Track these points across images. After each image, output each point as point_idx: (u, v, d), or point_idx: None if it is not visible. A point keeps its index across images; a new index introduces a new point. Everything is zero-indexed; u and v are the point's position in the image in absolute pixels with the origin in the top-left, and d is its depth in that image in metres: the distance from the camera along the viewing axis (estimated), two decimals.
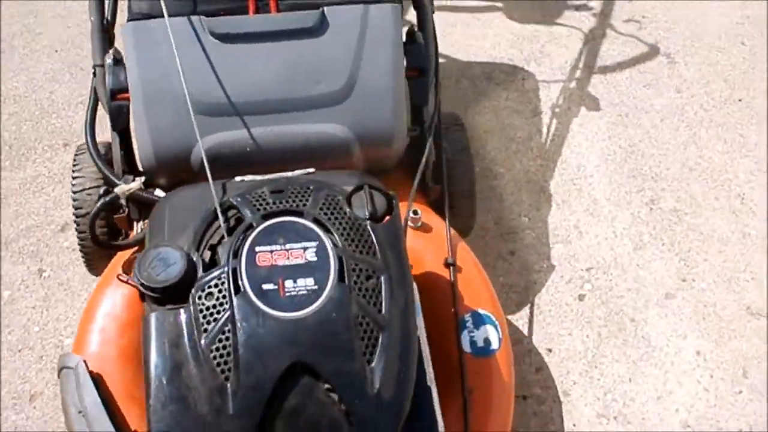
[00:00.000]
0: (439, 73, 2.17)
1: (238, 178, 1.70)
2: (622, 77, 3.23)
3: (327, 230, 1.53)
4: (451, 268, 2.00)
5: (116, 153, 2.04)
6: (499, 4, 3.58)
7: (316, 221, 1.54)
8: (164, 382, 1.41)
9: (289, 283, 1.44)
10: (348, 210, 1.58)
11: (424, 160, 2.06)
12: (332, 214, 1.57)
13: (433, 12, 2.23)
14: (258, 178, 1.69)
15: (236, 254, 1.47)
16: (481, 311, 1.96)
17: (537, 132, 2.99)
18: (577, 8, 3.54)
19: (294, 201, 1.58)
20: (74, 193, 2.23)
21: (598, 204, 2.77)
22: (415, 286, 1.63)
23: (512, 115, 3.07)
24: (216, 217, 1.54)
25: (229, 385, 1.39)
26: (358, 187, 1.63)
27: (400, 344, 1.47)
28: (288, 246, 1.49)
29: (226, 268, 1.45)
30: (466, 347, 1.91)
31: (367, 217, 1.58)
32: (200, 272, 1.47)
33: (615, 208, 2.75)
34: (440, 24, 2.35)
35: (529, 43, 3.39)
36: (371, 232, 1.56)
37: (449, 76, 3.22)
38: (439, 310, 1.94)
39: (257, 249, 1.48)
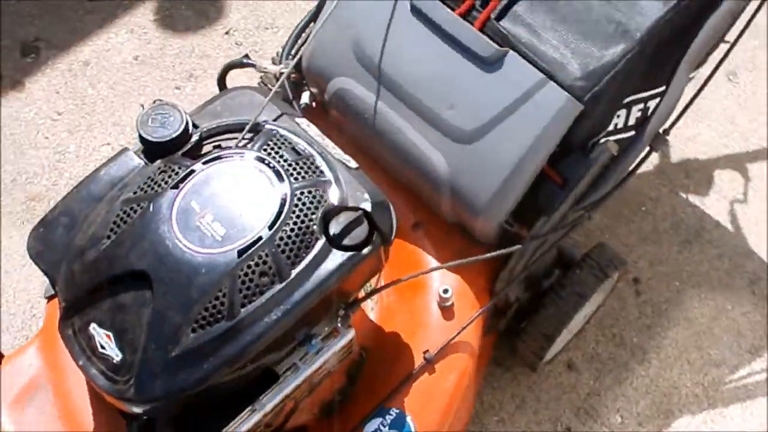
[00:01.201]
0: (595, 210, 1.98)
1: (312, 127, 1.78)
2: None
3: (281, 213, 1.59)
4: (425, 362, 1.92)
5: None
6: None
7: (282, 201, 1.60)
8: (79, 196, 1.69)
9: (208, 218, 1.56)
10: (315, 215, 1.61)
11: (507, 270, 1.97)
12: (305, 209, 1.60)
13: (655, 151, 2.00)
14: (317, 136, 1.75)
15: (208, 162, 1.62)
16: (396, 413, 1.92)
17: None
18: None
19: (297, 171, 1.64)
20: None
21: None
22: None
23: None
24: (241, 129, 1.70)
25: (103, 242, 1.58)
26: (347, 209, 1.63)
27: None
28: (241, 192, 1.60)
29: (191, 165, 1.61)
30: None
31: (325, 236, 1.60)
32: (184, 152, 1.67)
33: None
34: None
35: None
36: (313, 248, 1.59)
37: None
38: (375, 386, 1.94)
39: (224, 175, 1.61)
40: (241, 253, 1.56)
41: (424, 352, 1.94)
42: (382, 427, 1.92)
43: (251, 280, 1.57)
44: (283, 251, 1.58)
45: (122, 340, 1.58)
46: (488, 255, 1.93)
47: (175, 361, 1.56)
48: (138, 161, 1.73)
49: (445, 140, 1.89)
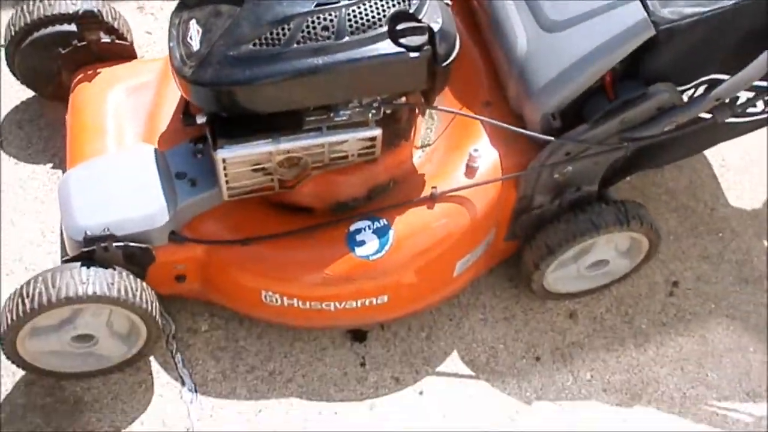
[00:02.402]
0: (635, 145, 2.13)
1: None
2: None
3: None
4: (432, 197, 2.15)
5: None
6: None
7: None
8: None
9: None
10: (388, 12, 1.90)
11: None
12: (384, 4, 1.90)
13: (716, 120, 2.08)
14: None
15: None
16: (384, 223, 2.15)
17: None
18: None
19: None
20: None
21: None
22: None
23: None
24: None
25: None
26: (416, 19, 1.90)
27: None
28: None
29: None
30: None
31: (388, 28, 1.88)
32: None
33: None
34: None
35: None
36: (374, 31, 1.89)
37: None
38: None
39: None
40: (318, 4, 1.89)
41: (433, 188, 2.16)
42: (366, 229, 2.16)
43: (314, 28, 1.89)
44: (349, 20, 1.89)
45: (205, 36, 1.95)
46: (521, 130, 2.13)
47: (229, 60, 1.91)
48: None
49: (534, 25, 2.13)
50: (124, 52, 2.49)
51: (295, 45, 1.89)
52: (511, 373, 2.39)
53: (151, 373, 2.31)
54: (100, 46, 2.44)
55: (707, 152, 2.78)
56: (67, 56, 2.43)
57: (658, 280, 2.56)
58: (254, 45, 1.89)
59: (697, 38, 1.99)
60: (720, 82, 2.05)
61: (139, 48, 2.59)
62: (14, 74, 2.58)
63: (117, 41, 2.47)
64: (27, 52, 2.48)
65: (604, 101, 2.06)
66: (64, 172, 2.46)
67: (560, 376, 2.40)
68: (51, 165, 2.60)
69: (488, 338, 2.44)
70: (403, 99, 2.08)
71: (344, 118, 2.03)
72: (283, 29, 1.89)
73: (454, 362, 2.40)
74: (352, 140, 2.08)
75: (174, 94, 2.27)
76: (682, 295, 2.56)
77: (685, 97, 2.10)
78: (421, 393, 2.35)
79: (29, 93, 2.68)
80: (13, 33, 2.45)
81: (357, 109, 2.04)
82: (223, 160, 2.02)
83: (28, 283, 2.01)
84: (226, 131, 2.01)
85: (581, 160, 2.16)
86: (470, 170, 2.20)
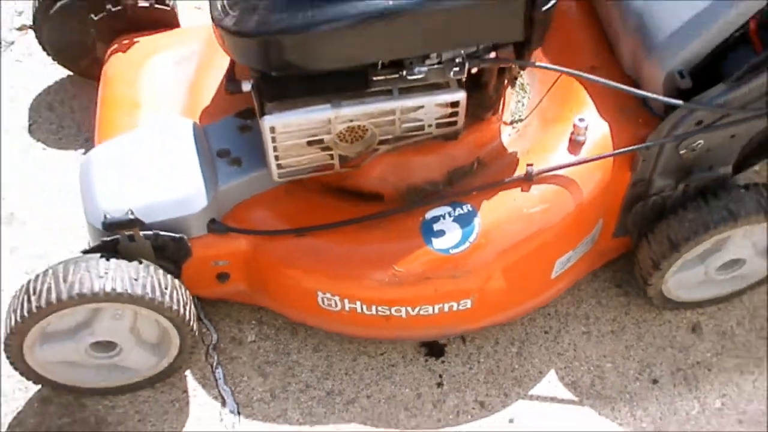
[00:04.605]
0: None
1: None
2: None
3: None
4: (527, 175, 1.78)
5: None
6: None
7: None
8: None
9: None
10: None
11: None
12: None
13: None
14: None
15: None
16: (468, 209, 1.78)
17: None
18: None
19: None
20: None
21: None
22: None
23: None
24: None
25: None
26: None
27: None
28: None
29: None
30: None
31: None
32: None
33: None
34: None
35: None
36: None
37: None
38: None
39: None
40: None
41: (528, 165, 1.76)
42: (446, 216, 1.78)
43: None
44: None
45: None
46: (642, 92, 1.71)
47: (278, 3, 1.56)
48: None
49: None
50: (164, 19, 2.19)
51: None
52: (622, 399, 1.97)
53: (186, 391, 1.95)
54: (137, 11, 2.14)
55: None
56: (101, 24, 2.14)
57: None
58: None
59: None
60: None
61: (181, 16, 2.26)
62: (44, 48, 2.29)
63: (156, 5, 2.16)
64: (56, 20, 2.21)
65: (749, 54, 1.65)
66: None
67: (683, 403, 1.96)
68: (83, 151, 2.30)
69: (593, 356, 2.02)
70: (493, 54, 1.69)
71: (420, 77, 1.66)
72: None
73: (551, 384, 1.99)
74: (429, 105, 1.70)
75: (220, 65, 1.95)
76: None
77: None
78: (511, 421, 1.95)
79: (62, 72, 2.39)
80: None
81: (435, 66, 1.66)
82: (272, 129, 1.66)
83: (36, 277, 1.67)
84: (276, 93, 1.66)
85: (717, 130, 1.73)
86: (575, 145, 1.80)
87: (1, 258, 2.11)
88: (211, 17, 1.66)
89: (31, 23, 2.26)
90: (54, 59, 2.33)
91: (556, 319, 2.06)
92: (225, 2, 1.63)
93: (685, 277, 1.95)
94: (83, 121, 2.33)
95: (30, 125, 2.34)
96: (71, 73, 2.39)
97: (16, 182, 2.24)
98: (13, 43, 2.52)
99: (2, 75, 2.44)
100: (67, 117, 2.36)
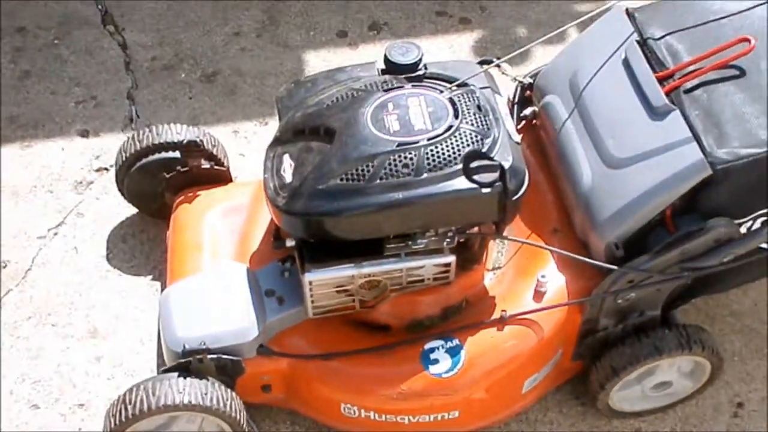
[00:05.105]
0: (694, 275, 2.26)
1: (502, 104, 2.32)
2: None
3: (441, 136, 2.14)
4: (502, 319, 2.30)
5: None
6: None
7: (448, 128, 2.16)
8: (328, 75, 2.40)
9: (393, 116, 2.17)
10: (463, 151, 2.12)
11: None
12: (460, 142, 2.13)
13: None
14: (503, 109, 2.30)
15: (416, 87, 2.25)
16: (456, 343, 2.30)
17: None
18: None
19: (472, 119, 2.18)
20: None
21: None
22: None
23: None
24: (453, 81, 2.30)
25: (323, 105, 2.26)
26: (488, 157, 2.11)
27: None
28: (426, 111, 2.18)
29: (405, 85, 2.26)
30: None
31: (462, 165, 2.09)
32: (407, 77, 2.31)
33: None
34: None
35: None
36: (449, 168, 2.10)
37: None
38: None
39: (421, 97, 2.21)
40: (400, 145, 2.11)
41: (502, 310, 2.31)
42: (440, 348, 2.32)
43: (395, 166, 2.10)
44: (428, 159, 2.10)
45: (296, 170, 2.18)
46: (586, 259, 2.28)
47: (318, 193, 2.12)
48: (375, 71, 2.36)
49: (598, 160, 2.30)
50: (221, 176, 2.75)
51: (378, 180, 2.09)
52: None
53: None
54: (200, 170, 2.71)
55: None
56: (171, 180, 2.70)
57: (723, 400, 2.63)
58: (341, 180, 2.10)
59: (753, 176, 2.13)
60: None
61: (233, 169, 2.84)
62: (122, 194, 2.85)
63: (215, 167, 2.73)
64: (135, 175, 2.76)
65: (665, 234, 2.20)
66: (163, 286, 2.70)
67: None
68: (151, 277, 2.83)
69: None
70: (476, 229, 2.26)
71: (421, 245, 2.21)
72: (367, 166, 2.09)
73: None
74: (428, 266, 2.26)
75: (264, 216, 2.50)
76: (747, 417, 2.61)
77: (743, 229, 2.23)
78: None
79: (133, 210, 2.95)
80: (124, 158, 2.73)
81: (433, 238, 2.22)
82: (310, 282, 2.21)
83: (130, 390, 2.21)
84: (314, 256, 2.21)
85: (643, 287, 2.28)
86: (538, 294, 2.35)
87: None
88: (265, 194, 2.22)
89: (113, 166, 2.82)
90: (128, 201, 2.90)
91: (526, 424, 2.57)
92: (276, 185, 2.20)
93: (626, 394, 2.49)
94: (151, 252, 2.89)
95: (107, 254, 2.90)
96: (140, 212, 2.96)
97: (99, 303, 2.79)
98: (92, 182, 3.09)
99: (85, 210, 3.01)
100: (137, 249, 2.91)
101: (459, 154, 2.11)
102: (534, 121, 2.63)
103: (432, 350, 2.31)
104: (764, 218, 2.23)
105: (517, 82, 2.65)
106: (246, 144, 3.21)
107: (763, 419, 2.61)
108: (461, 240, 2.26)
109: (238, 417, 2.25)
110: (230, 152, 2.88)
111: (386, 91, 2.24)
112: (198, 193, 2.68)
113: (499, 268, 2.49)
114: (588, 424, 2.58)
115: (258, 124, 3.27)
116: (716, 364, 2.44)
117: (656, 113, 2.23)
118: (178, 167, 2.68)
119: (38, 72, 3.38)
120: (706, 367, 2.46)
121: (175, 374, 2.23)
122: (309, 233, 2.19)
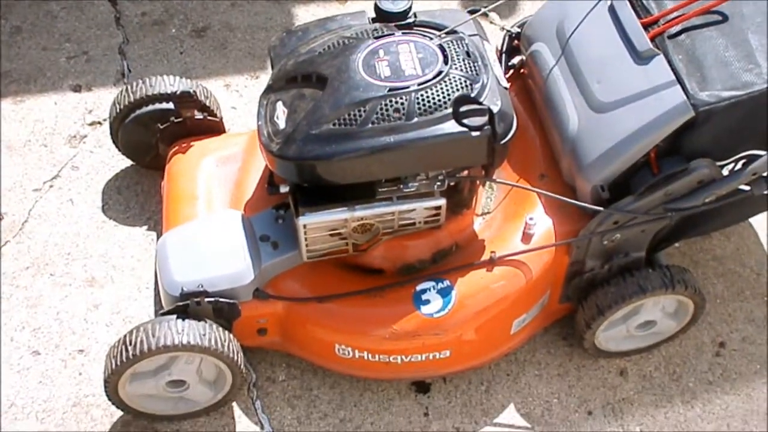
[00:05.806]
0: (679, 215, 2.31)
1: (490, 50, 2.35)
2: None
3: (432, 81, 2.18)
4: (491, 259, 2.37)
5: None
6: None
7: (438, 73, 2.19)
8: (318, 24, 2.41)
9: (383, 62, 2.19)
10: (453, 95, 2.16)
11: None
12: (449, 87, 2.16)
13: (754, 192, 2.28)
14: (491, 55, 2.33)
15: (406, 34, 2.27)
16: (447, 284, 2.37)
17: None
18: None
19: (461, 64, 2.21)
20: None
21: None
22: None
23: None
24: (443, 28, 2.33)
25: (315, 53, 2.28)
26: (477, 102, 2.16)
27: None
28: (420, 56, 2.21)
29: (395, 32, 2.28)
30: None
31: (452, 109, 2.14)
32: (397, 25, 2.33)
33: None
34: None
35: None
36: (440, 112, 2.14)
37: None
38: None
39: (411, 44, 2.23)
40: (391, 89, 2.15)
41: (492, 252, 2.38)
42: (432, 289, 2.38)
43: (387, 110, 2.14)
44: (418, 104, 2.14)
45: (290, 116, 2.22)
46: (572, 201, 2.34)
47: (311, 138, 2.16)
48: (366, 19, 2.39)
49: (584, 105, 2.35)
50: (214, 127, 2.79)
51: (370, 125, 2.14)
52: (565, 426, 2.56)
53: (233, 418, 2.54)
54: (193, 121, 2.74)
55: (752, 220, 2.95)
56: (165, 131, 2.74)
57: (706, 340, 2.72)
58: (334, 125, 2.15)
59: (734, 119, 2.19)
60: (757, 157, 2.24)
61: (225, 122, 2.88)
62: (116, 146, 2.89)
63: (208, 117, 2.77)
64: (129, 127, 2.79)
65: (649, 175, 2.26)
66: (159, 235, 2.75)
67: (611, 430, 2.56)
68: (146, 227, 2.88)
69: (543, 393, 2.62)
70: (465, 172, 2.32)
71: (413, 189, 2.27)
72: (359, 111, 2.14)
73: (511, 414, 2.58)
74: (419, 209, 2.32)
75: (258, 165, 2.55)
76: (728, 356, 2.71)
77: (725, 171, 2.30)
78: None
79: (127, 162, 2.99)
80: (118, 110, 2.76)
81: (424, 182, 2.27)
82: (304, 226, 2.27)
83: (130, 332, 2.27)
84: (308, 200, 2.26)
85: (628, 228, 2.35)
86: (526, 237, 2.42)
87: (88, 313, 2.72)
88: (259, 140, 2.26)
89: (107, 120, 2.86)
90: (122, 153, 2.93)
91: (515, 365, 2.66)
92: (270, 132, 2.24)
93: (612, 334, 2.57)
94: (146, 204, 2.93)
95: (103, 206, 2.95)
96: (134, 164, 3.00)
97: (96, 253, 2.84)
98: (86, 136, 3.13)
99: (79, 163, 3.05)
100: (132, 200, 2.95)
101: (449, 99, 2.15)
102: (522, 70, 2.69)
103: (423, 291, 2.37)
104: (744, 160, 2.29)
105: (505, 32, 2.70)
106: (238, 97, 3.25)
107: (744, 358, 2.70)
108: (451, 184, 2.31)
109: (235, 357, 2.31)
110: (222, 106, 2.92)
111: (377, 38, 2.27)
112: (192, 143, 2.72)
113: (489, 213, 2.55)
114: (575, 364, 2.67)
115: (249, 78, 3.30)
116: (699, 304, 2.52)
117: (641, 58, 2.28)
118: (172, 118, 2.72)
119: (29, 27, 3.39)
120: (689, 306, 2.53)
121: (174, 316, 2.29)
122: (303, 178, 2.23)
